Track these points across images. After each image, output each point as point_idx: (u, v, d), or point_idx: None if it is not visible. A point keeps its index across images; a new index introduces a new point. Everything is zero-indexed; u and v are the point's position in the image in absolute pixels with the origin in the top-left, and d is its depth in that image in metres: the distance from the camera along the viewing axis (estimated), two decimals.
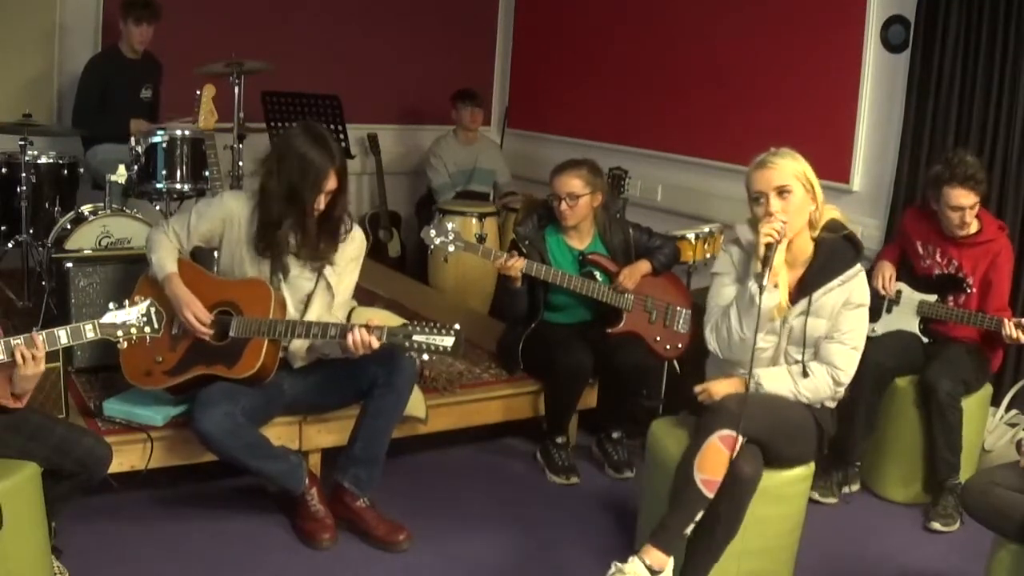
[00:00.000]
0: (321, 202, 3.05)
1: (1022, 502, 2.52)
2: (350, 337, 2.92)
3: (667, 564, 2.63)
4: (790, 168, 2.73)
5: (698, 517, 2.62)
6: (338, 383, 3.18)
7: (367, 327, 2.93)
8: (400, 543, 3.10)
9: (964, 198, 3.49)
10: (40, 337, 2.39)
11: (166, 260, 3.11)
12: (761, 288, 2.66)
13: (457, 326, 2.91)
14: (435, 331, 2.90)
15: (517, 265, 3.65)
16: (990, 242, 3.58)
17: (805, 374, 2.81)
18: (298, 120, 5.27)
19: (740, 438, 2.61)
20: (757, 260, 2.72)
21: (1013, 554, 2.55)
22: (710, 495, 2.60)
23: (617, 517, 3.42)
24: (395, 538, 3.11)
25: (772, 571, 2.90)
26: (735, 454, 2.60)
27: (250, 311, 3.05)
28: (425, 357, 2.94)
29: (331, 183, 3.03)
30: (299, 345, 3.17)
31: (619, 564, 2.63)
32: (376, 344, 2.93)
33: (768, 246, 2.67)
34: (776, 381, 2.81)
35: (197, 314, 3.03)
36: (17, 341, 2.37)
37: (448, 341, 2.90)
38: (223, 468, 3.30)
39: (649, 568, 2.60)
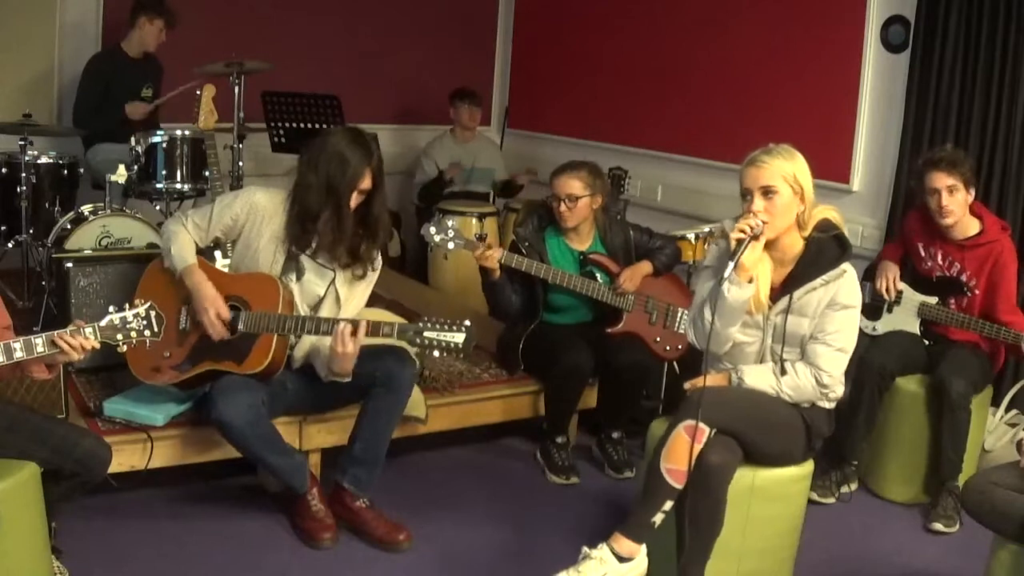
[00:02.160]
0: (354, 200, 3.06)
1: (1022, 502, 2.52)
2: (336, 331, 2.92)
3: (637, 552, 2.64)
4: (779, 169, 2.72)
5: (666, 507, 2.63)
6: (339, 383, 3.18)
7: (356, 325, 2.92)
8: (400, 543, 3.10)
9: (938, 180, 3.49)
10: (90, 328, 2.41)
11: (186, 251, 3.10)
12: (722, 279, 2.67)
13: (468, 322, 2.90)
14: (445, 328, 2.90)
15: (494, 255, 3.65)
16: (992, 243, 3.57)
17: (783, 371, 2.81)
18: (299, 120, 5.29)
19: (706, 429, 2.62)
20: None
21: (1013, 554, 2.55)
22: (677, 485, 2.61)
23: (617, 517, 3.39)
24: (395, 538, 3.11)
25: (772, 571, 2.89)
26: (703, 444, 2.61)
27: (258, 306, 3.05)
28: (436, 354, 2.93)
29: (366, 182, 3.06)
30: (304, 351, 3.17)
31: (588, 549, 2.65)
32: (352, 348, 2.92)
33: (739, 241, 2.68)
34: (758, 377, 2.81)
35: (220, 312, 3.02)
36: (62, 333, 2.38)
37: (459, 337, 2.89)
38: (223, 468, 3.31)
39: (617, 555, 2.62)
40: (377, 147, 3.12)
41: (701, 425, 2.61)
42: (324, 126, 5.18)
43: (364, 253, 3.16)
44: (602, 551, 2.63)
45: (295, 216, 3.10)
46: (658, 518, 2.64)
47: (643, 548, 2.66)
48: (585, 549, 2.66)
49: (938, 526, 3.41)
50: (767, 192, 2.72)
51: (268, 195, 3.17)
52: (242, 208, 3.15)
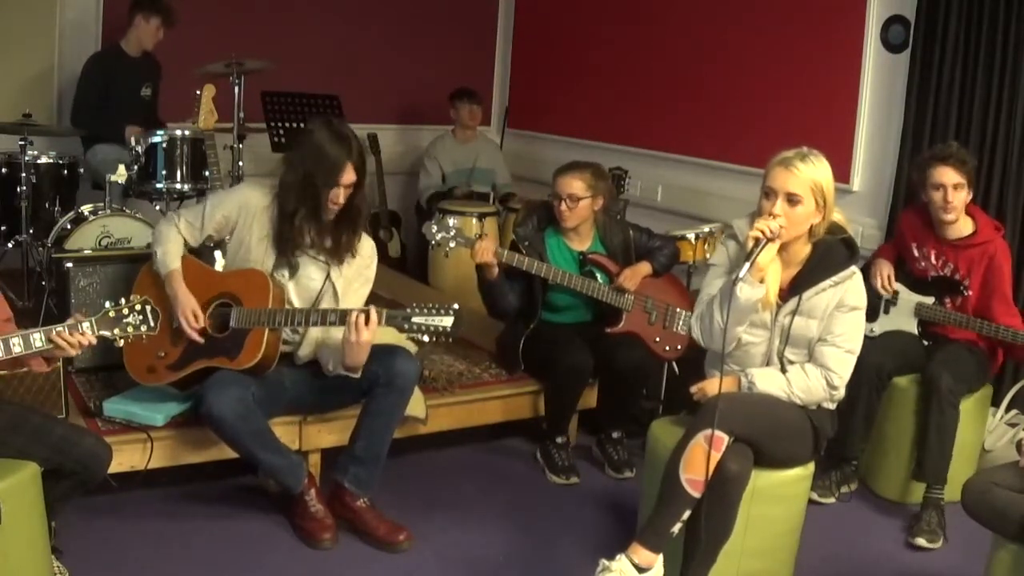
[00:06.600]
0: (339, 196, 3.05)
1: (1022, 502, 2.52)
2: (348, 321, 2.91)
3: (655, 562, 2.63)
4: (809, 179, 2.70)
5: (684, 516, 2.62)
6: (340, 382, 3.17)
7: (366, 314, 2.91)
8: (400, 543, 3.10)
9: (945, 175, 3.47)
10: (87, 323, 2.42)
11: (170, 256, 3.12)
12: (737, 279, 2.66)
13: (456, 305, 2.90)
14: (434, 312, 2.89)
15: (488, 247, 3.63)
16: (986, 243, 3.56)
17: (783, 369, 2.81)
18: (299, 120, 5.29)
19: (725, 437, 2.61)
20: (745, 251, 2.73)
21: (1013, 554, 2.55)
22: (696, 494, 2.61)
23: (617, 517, 3.42)
24: (395, 538, 3.11)
25: (772, 571, 2.90)
26: (722, 453, 2.60)
27: (249, 302, 3.06)
28: (425, 339, 2.92)
29: (348, 176, 3.04)
30: (310, 347, 3.17)
31: (606, 562, 2.64)
32: (367, 337, 2.91)
33: (756, 240, 2.68)
34: (769, 381, 2.81)
35: (188, 318, 3.06)
36: (60, 329, 2.39)
37: (447, 321, 2.88)
38: (223, 468, 3.31)
39: (637, 566, 2.61)
40: (358, 142, 3.10)
41: (720, 433, 2.60)
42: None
43: (344, 244, 3.14)
44: (621, 562, 2.61)
45: (279, 215, 3.10)
46: (676, 527, 2.63)
47: (660, 557, 2.64)
48: (603, 561, 2.65)
49: (921, 541, 3.32)
50: (791, 199, 2.71)
51: (259, 192, 3.17)
52: (233, 206, 3.16)
